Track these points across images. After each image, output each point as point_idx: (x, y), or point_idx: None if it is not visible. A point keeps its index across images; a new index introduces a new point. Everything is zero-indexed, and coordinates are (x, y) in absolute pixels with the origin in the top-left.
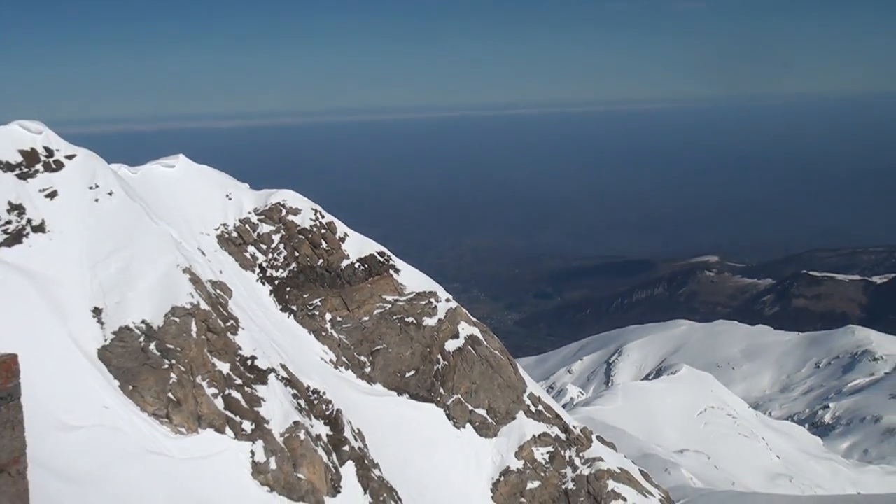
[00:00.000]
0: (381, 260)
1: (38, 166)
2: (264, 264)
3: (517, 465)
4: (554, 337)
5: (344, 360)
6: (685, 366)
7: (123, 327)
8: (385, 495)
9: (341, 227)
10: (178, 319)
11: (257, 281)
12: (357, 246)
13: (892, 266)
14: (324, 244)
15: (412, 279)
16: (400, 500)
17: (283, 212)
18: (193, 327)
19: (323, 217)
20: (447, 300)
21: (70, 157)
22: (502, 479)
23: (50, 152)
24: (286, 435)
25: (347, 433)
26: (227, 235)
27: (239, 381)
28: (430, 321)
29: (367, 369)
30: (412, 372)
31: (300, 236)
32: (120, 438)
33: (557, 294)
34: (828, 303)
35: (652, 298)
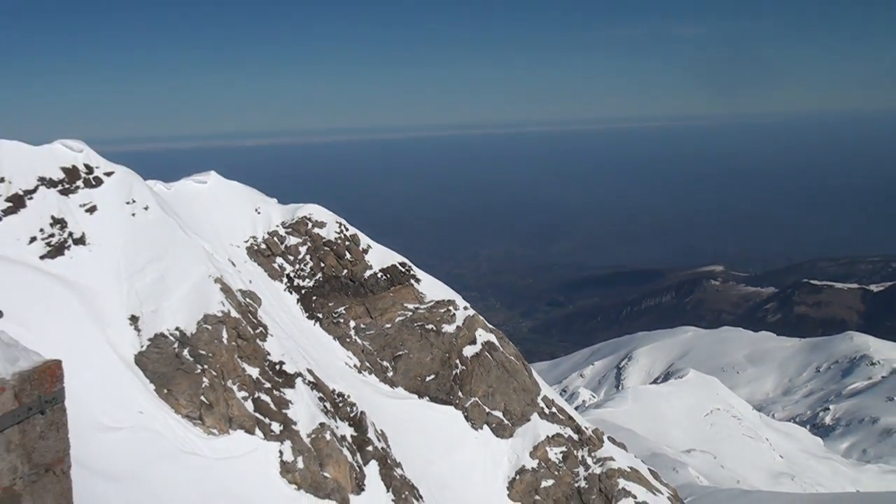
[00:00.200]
0: (403, 270)
1: (79, 182)
2: (291, 274)
3: (532, 464)
4: (566, 343)
5: (367, 364)
6: (692, 370)
7: (158, 334)
8: (407, 493)
9: (364, 240)
10: (210, 327)
11: (285, 290)
12: (379, 257)
13: (889, 275)
14: (348, 255)
15: (432, 288)
16: (421, 497)
17: (310, 225)
18: (224, 334)
19: (347, 230)
20: (465, 308)
21: (109, 174)
22: (518, 477)
23: (90, 169)
24: (313, 436)
25: (371, 434)
26: (256, 247)
27: (268, 385)
28: (449, 328)
29: (390, 373)
30: (432, 376)
31: (325, 248)
32: (156, 439)
33: (569, 302)
34: (827, 310)
35: (660, 306)
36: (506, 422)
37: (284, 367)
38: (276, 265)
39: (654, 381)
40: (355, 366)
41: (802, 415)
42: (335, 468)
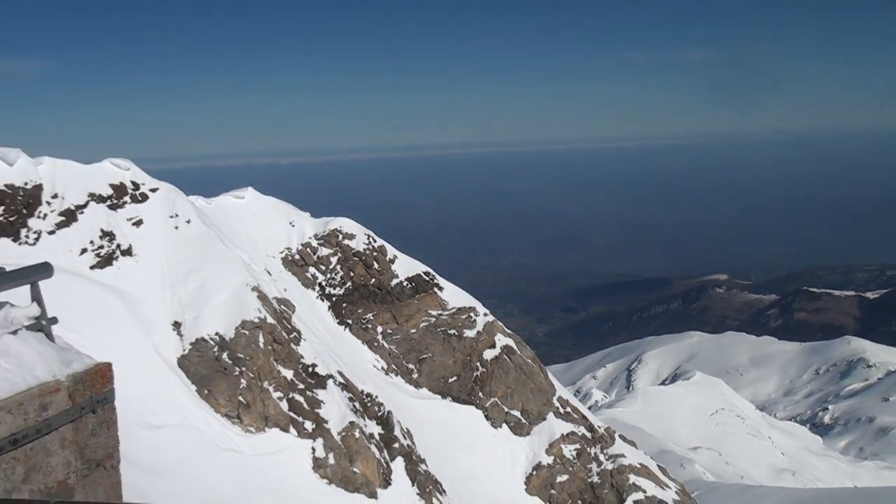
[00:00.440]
0: (427, 279)
1: (127, 198)
2: (323, 283)
3: (548, 460)
4: (580, 347)
5: (394, 367)
6: (698, 372)
7: (200, 339)
8: (430, 487)
9: (391, 250)
10: (247, 332)
11: (317, 298)
12: (405, 267)
13: (884, 283)
14: (376, 265)
15: (454, 296)
16: (444, 491)
17: (340, 237)
18: (261, 339)
19: (375, 241)
20: (485, 314)
21: (154, 190)
22: (535, 472)
23: (136, 186)
24: (343, 433)
25: (397, 432)
26: (290, 258)
27: (301, 386)
28: (470, 333)
29: (415, 375)
30: (454, 378)
31: (355, 258)
32: (197, 437)
33: (583, 308)
34: (826, 316)
35: (668, 312)
36: (523, 421)
37: (317, 370)
38: (308, 274)
39: (663, 383)
40: (382, 368)
41: (802, 414)
42: (364, 464)
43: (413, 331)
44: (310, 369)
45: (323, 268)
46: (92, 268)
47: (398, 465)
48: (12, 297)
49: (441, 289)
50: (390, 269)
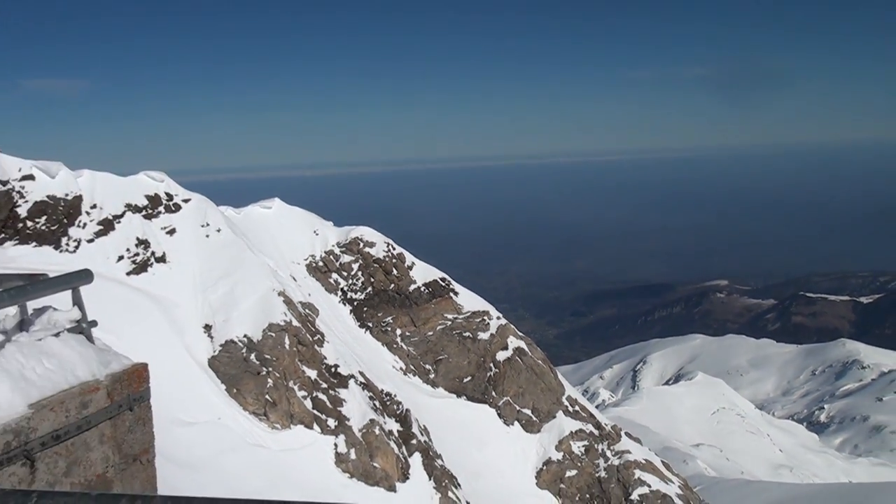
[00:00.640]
0: (443, 284)
1: (161, 208)
2: (345, 288)
3: (557, 456)
4: (588, 349)
5: (412, 367)
6: (700, 373)
7: (229, 341)
8: (446, 481)
9: (409, 257)
10: (273, 334)
11: (339, 302)
12: (423, 273)
13: (877, 288)
14: (395, 271)
15: (469, 300)
16: (459, 485)
17: (361, 245)
18: (286, 341)
19: (394, 249)
20: (498, 318)
21: (186, 201)
22: (545, 468)
23: (170, 197)
24: (364, 430)
25: (415, 429)
26: (314, 264)
27: (324, 386)
28: (483, 335)
29: (431, 375)
30: (469, 378)
31: (375, 265)
32: (227, 433)
33: (591, 312)
34: (822, 320)
35: (671, 316)
36: (534, 419)
37: (339, 370)
38: (331, 280)
39: (667, 383)
40: (401, 369)
41: (800, 413)
42: (383, 459)
43: (430, 333)
44: (332, 370)
45: (345, 274)
46: (128, 274)
47: (416, 460)
48: (55, 301)
49: (456, 294)
50: (409, 275)
